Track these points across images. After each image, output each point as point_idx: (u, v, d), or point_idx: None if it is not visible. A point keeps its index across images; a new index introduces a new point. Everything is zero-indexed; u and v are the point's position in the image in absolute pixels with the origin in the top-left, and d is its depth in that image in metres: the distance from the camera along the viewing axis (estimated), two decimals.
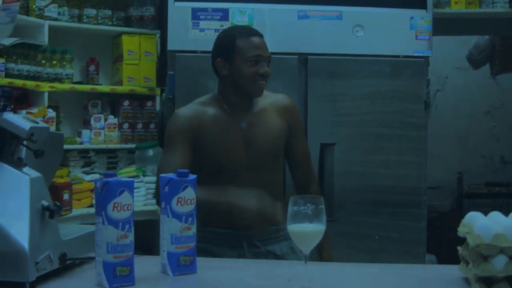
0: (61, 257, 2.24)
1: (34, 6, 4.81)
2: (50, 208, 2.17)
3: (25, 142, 2.25)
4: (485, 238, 1.98)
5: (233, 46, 3.20)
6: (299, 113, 3.51)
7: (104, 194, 2.13)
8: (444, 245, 6.80)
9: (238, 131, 3.22)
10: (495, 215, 2.16)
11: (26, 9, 4.78)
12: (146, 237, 4.08)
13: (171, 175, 2.35)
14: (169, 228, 2.32)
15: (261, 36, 3.27)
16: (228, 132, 3.21)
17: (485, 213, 2.22)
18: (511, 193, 7.84)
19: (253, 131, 3.23)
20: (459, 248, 2.25)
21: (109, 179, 2.15)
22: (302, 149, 3.44)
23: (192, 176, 2.37)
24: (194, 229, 2.35)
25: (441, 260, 6.27)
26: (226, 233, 3.19)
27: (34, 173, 2.21)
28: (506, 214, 2.18)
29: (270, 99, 3.33)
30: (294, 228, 2.07)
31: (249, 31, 3.28)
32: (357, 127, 4.57)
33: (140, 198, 5.03)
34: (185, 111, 3.26)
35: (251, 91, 3.21)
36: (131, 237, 2.17)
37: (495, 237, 1.97)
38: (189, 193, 2.33)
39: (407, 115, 4.61)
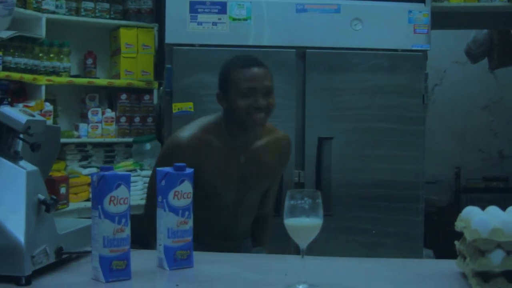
0: (57, 251, 2.24)
1: None
2: (47, 201, 2.16)
3: (21, 136, 2.24)
4: (482, 233, 1.97)
5: (228, 78, 3.15)
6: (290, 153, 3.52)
7: (101, 188, 2.13)
8: (441, 239, 6.79)
9: (235, 165, 3.20)
10: (493, 210, 2.15)
11: (23, 2, 4.77)
12: (143, 231, 4.07)
13: (168, 168, 2.34)
14: (165, 222, 2.31)
15: (260, 66, 3.17)
16: (224, 165, 3.17)
17: (483, 207, 2.21)
18: (509, 188, 7.85)
19: (251, 168, 3.21)
20: (456, 242, 2.25)
21: (106, 172, 2.14)
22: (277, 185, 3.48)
23: (189, 170, 2.36)
24: (190, 223, 2.35)
25: (439, 255, 6.28)
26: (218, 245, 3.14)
27: (31, 167, 2.21)
28: (503, 208, 2.18)
29: (272, 137, 3.31)
30: (291, 222, 2.06)
31: (245, 62, 3.19)
32: (354, 121, 4.56)
33: (137, 192, 5.02)
34: (187, 139, 3.14)
35: (247, 125, 3.14)
36: (127, 231, 2.17)
37: (492, 231, 1.96)
38: (186, 187, 2.32)
39: (405, 109, 4.60)
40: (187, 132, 3.18)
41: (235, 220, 3.28)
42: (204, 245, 2.91)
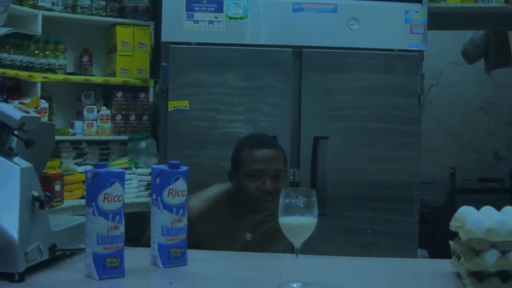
0: (51, 248, 2.22)
1: None
2: (41, 198, 2.15)
3: (16, 132, 2.23)
4: (477, 233, 1.97)
5: (239, 157, 3.14)
6: None
7: (95, 185, 2.12)
8: (436, 240, 6.80)
9: (241, 241, 3.17)
10: (488, 210, 2.15)
11: None
12: (137, 229, 4.06)
13: (163, 166, 2.34)
14: (160, 219, 2.30)
15: (272, 147, 3.16)
16: (229, 240, 3.13)
17: (478, 208, 2.21)
18: (504, 189, 7.88)
19: (256, 245, 3.16)
20: (451, 242, 2.24)
21: (100, 170, 2.13)
22: None
23: (184, 168, 2.35)
24: (185, 221, 2.34)
25: (433, 255, 6.28)
26: None
27: (25, 163, 2.20)
28: (498, 209, 2.18)
29: None
30: (285, 220, 2.06)
31: (257, 142, 3.19)
32: (350, 121, 4.56)
33: (132, 190, 5.02)
34: (196, 209, 3.05)
35: (255, 208, 3.12)
36: (121, 229, 2.16)
37: (487, 231, 1.96)
38: (181, 185, 2.32)
39: (401, 109, 4.60)
40: (195, 203, 3.07)
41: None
42: None
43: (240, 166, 3.12)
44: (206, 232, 3.06)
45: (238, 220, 3.17)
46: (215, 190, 3.23)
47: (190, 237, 2.79)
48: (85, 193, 2.32)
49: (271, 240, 3.19)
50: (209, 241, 3.04)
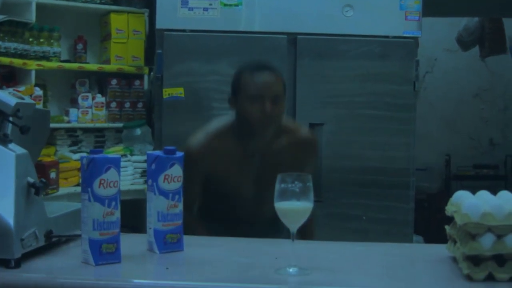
0: (47, 234, 2.22)
1: None
2: (36, 184, 2.15)
3: (11, 118, 2.23)
4: (473, 217, 1.97)
5: (238, 82, 3.16)
6: (318, 151, 3.47)
7: (91, 171, 2.12)
8: (431, 226, 6.81)
9: (249, 167, 3.21)
10: (483, 194, 2.15)
11: None
12: (133, 217, 4.06)
13: (158, 152, 2.34)
14: (155, 205, 2.30)
15: (271, 71, 3.18)
16: (239, 166, 3.19)
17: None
18: (499, 175, 7.90)
19: (266, 169, 3.15)
20: (446, 227, 2.25)
21: (96, 155, 2.13)
22: None
23: (180, 154, 2.35)
24: (180, 206, 2.34)
25: (428, 241, 6.26)
26: None
27: (20, 150, 2.19)
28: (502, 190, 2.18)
29: (292, 137, 3.26)
30: (281, 205, 2.06)
31: (257, 66, 3.21)
32: (345, 108, 4.56)
33: (128, 177, 5.02)
34: (198, 147, 3.16)
35: (257, 130, 3.14)
36: (117, 214, 2.16)
37: (483, 215, 1.96)
38: (176, 170, 2.32)
39: (396, 96, 4.60)
40: (197, 140, 3.20)
41: (257, 215, 3.23)
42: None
43: (241, 91, 3.14)
44: (214, 164, 3.15)
45: (243, 147, 3.20)
46: (214, 123, 3.29)
47: (201, 174, 3.05)
48: (80, 181, 2.31)
49: None
50: (220, 173, 3.16)
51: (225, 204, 3.22)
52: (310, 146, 3.36)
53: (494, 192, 2.20)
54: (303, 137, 3.34)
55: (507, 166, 8.01)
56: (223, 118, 3.29)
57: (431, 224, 6.80)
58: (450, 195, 2.27)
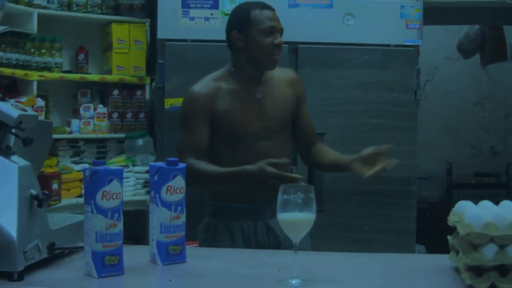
0: (49, 247, 2.22)
1: None
2: (39, 197, 2.15)
3: (13, 130, 2.23)
4: (475, 227, 1.97)
5: (248, 18, 3.31)
6: (305, 86, 3.61)
7: (93, 183, 2.12)
8: (433, 235, 6.81)
9: (254, 102, 3.35)
10: (486, 204, 2.15)
11: None
12: (135, 227, 4.07)
13: (161, 163, 2.34)
14: (158, 217, 2.31)
15: (273, 9, 3.40)
16: (244, 104, 3.33)
17: (475, 203, 2.21)
18: (501, 184, 7.90)
19: (268, 101, 3.37)
20: (449, 237, 2.25)
21: (98, 167, 2.13)
22: (308, 116, 3.60)
23: (182, 165, 2.35)
24: (183, 218, 2.34)
25: (431, 251, 6.28)
26: (245, 207, 3.32)
27: (23, 162, 2.20)
28: (495, 204, 2.18)
29: (279, 72, 3.45)
30: (284, 216, 2.06)
31: (263, 4, 3.39)
32: (347, 117, 4.56)
33: (130, 188, 5.02)
34: (201, 88, 3.33)
35: (266, 62, 3.33)
36: (120, 226, 2.16)
37: (485, 226, 1.96)
38: (179, 182, 2.32)
39: (397, 104, 4.60)
40: (199, 84, 3.36)
41: (266, 155, 3.26)
42: (240, 195, 3.27)
43: (254, 25, 3.30)
44: (222, 105, 3.29)
45: (243, 82, 3.37)
46: (215, 72, 3.43)
47: (208, 115, 3.25)
48: (82, 192, 2.31)
49: None
50: (228, 114, 3.29)
51: (234, 146, 3.32)
52: (296, 77, 3.58)
53: (496, 200, 2.21)
54: (287, 70, 3.59)
55: (509, 174, 8.00)
56: (222, 68, 3.44)
57: (433, 233, 6.80)
58: (452, 203, 2.28)
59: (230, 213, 3.32)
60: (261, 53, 3.29)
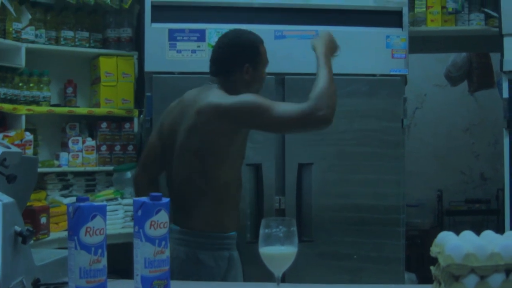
0: (34, 283, 2.23)
1: (11, 29, 4.79)
2: (23, 233, 2.16)
3: None
4: (456, 258, 1.98)
5: (258, 52, 3.43)
6: None
7: (77, 219, 2.12)
8: (425, 263, 6.81)
9: None
10: (467, 235, 2.16)
11: (3, 32, 4.76)
12: (124, 260, 4.05)
13: (144, 198, 2.34)
14: (142, 252, 2.30)
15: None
16: None
17: (465, 229, 2.22)
18: (491, 210, 7.90)
19: None
20: (432, 268, 2.25)
21: (81, 203, 2.14)
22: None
23: (165, 200, 2.36)
24: (167, 252, 2.34)
25: (422, 278, 6.28)
26: (235, 236, 3.35)
27: (7, 198, 2.20)
28: (486, 230, 2.19)
29: None
30: (265, 250, 2.07)
31: (260, 38, 3.51)
32: (334, 146, 4.58)
33: (118, 221, 5.00)
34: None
35: (256, 92, 3.37)
36: (104, 262, 2.16)
37: (466, 257, 1.98)
38: (162, 217, 2.32)
39: (385, 133, 4.63)
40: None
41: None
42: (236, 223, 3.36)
43: (261, 60, 3.46)
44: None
45: None
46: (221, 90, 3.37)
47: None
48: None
49: None
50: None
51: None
52: None
53: (487, 226, 2.22)
54: None
55: (499, 200, 8.01)
56: (217, 86, 3.40)
57: (424, 260, 6.79)
58: (443, 230, 2.28)
59: (233, 243, 3.32)
60: (259, 86, 3.44)
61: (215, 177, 3.23)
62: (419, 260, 6.90)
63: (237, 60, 3.37)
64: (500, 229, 5.96)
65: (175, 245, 3.15)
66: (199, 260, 3.18)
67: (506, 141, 4.96)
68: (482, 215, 7.79)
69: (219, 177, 3.24)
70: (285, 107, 3.23)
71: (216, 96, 3.26)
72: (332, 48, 3.57)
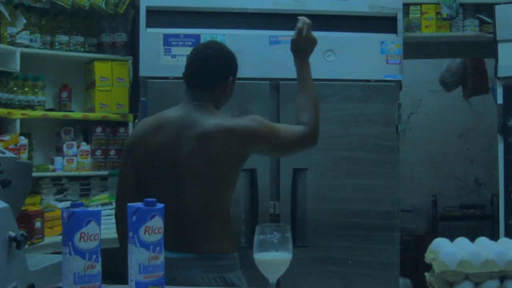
0: None
1: (5, 33, 4.79)
2: (17, 238, 2.16)
3: None
4: (450, 265, 1.99)
5: (236, 65, 3.44)
6: None
7: (71, 225, 2.12)
8: (419, 268, 6.81)
9: None
10: (462, 241, 2.17)
11: None
12: (118, 264, 4.05)
13: (139, 204, 2.34)
14: (137, 257, 2.30)
15: None
16: None
17: (460, 235, 2.22)
18: (486, 215, 7.91)
19: None
20: (426, 274, 2.26)
21: (76, 209, 2.14)
22: None
23: (160, 205, 2.36)
24: (162, 258, 2.34)
25: (417, 284, 6.30)
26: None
27: (1, 203, 2.20)
28: (480, 236, 2.20)
29: None
30: (260, 256, 2.07)
31: None
32: (329, 151, 4.58)
33: (113, 226, 4.99)
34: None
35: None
36: (98, 267, 2.16)
37: (460, 263, 1.98)
38: (157, 222, 2.32)
39: (380, 138, 4.63)
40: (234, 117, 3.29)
41: None
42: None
43: (236, 73, 3.44)
44: None
45: None
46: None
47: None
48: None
49: None
50: None
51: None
52: None
53: (481, 232, 2.23)
54: None
55: (494, 205, 8.02)
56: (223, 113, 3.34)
57: (419, 265, 6.80)
58: (437, 236, 2.29)
59: (238, 262, 3.26)
60: (228, 100, 3.42)
61: (225, 199, 3.21)
62: (414, 265, 6.90)
63: (225, 72, 3.34)
64: (494, 235, 5.98)
65: (200, 272, 3.09)
66: (227, 283, 3.11)
67: (500, 146, 4.98)
68: (477, 221, 7.80)
69: (227, 198, 3.22)
70: (289, 131, 3.31)
71: (220, 118, 3.22)
72: (310, 43, 3.61)
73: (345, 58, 4.62)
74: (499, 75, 4.95)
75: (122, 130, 5.35)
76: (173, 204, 3.11)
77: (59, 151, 5.21)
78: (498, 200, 5.06)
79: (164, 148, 3.22)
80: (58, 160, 5.10)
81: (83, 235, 2.12)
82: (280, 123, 3.56)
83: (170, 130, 3.25)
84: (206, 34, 4.53)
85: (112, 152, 5.30)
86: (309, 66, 3.49)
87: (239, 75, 4.48)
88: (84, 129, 5.41)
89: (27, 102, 4.96)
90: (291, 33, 4.55)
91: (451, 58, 7.00)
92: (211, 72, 3.31)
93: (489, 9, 5.21)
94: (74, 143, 5.18)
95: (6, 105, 4.80)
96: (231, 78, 3.34)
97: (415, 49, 5.63)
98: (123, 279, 2.87)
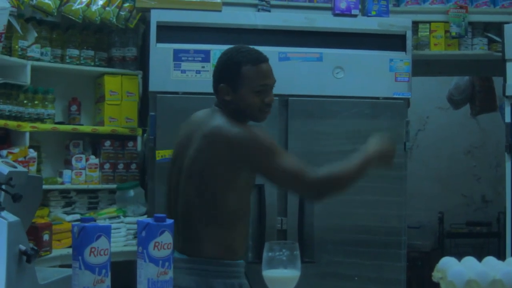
0: None
1: (17, 46, 4.82)
2: (28, 252, 2.17)
3: (3, 186, 2.26)
4: (458, 285, 1.99)
5: (239, 73, 3.13)
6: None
7: (81, 239, 2.13)
8: (426, 285, 6.81)
9: None
10: (469, 261, 2.18)
11: (8, 49, 4.79)
12: (126, 278, 4.06)
13: (149, 219, 2.35)
14: (146, 272, 2.31)
15: (267, 60, 3.21)
16: None
17: (466, 253, 2.24)
18: (492, 233, 7.90)
19: None
20: None
21: (86, 224, 2.15)
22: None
23: (170, 221, 2.37)
24: (171, 273, 2.35)
25: None
26: (244, 264, 3.22)
27: (12, 217, 2.22)
28: (487, 253, 2.21)
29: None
30: (269, 273, 2.08)
31: (256, 57, 3.18)
32: None
33: (121, 239, 5.02)
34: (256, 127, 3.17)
35: (255, 118, 3.19)
36: (107, 282, 2.17)
37: (467, 283, 1.99)
38: (166, 238, 2.33)
39: None
40: (246, 126, 3.16)
41: None
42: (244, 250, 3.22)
43: (243, 82, 3.13)
44: None
45: None
46: (224, 118, 3.19)
47: None
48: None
49: None
50: None
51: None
52: None
53: (488, 249, 2.23)
54: None
55: (500, 223, 8.01)
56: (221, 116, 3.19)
57: (425, 282, 6.80)
58: (444, 253, 2.30)
59: (242, 271, 3.21)
60: (251, 111, 3.15)
61: (224, 204, 3.11)
62: (420, 282, 6.90)
63: (215, 79, 3.23)
64: (501, 252, 5.97)
65: (184, 274, 3.04)
66: None
67: (508, 165, 4.98)
68: (483, 238, 7.79)
69: (228, 205, 3.12)
70: (293, 162, 3.11)
71: (219, 120, 3.14)
72: (382, 159, 3.35)
73: (354, 75, 4.63)
74: (507, 93, 4.95)
75: (130, 144, 5.37)
76: (173, 200, 3.23)
77: (67, 164, 5.23)
78: (505, 217, 5.05)
79: (181, 146, 3.28)
80: (67, 173, 5.12)
81: (93, 249, 2.13)
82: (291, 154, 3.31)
83: (188, 129, 3.32)
84: (216, 50, 4.54)
85: (121, 166, 5.31)
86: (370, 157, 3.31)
87: None
88: (93, 143, 5.42)
89: (37, 115, 4.99)
90: (301, 50, 4.60)
91: (460, 76, 7.01)
92: (213, 78, 3.27)
93: (498, 28, 5.22)
94: (83, 156, 5.20)
95: (16, 117, 4.82)
96: (221, 85, 3.16)
97: (423, 66, 5.64)
98: None
